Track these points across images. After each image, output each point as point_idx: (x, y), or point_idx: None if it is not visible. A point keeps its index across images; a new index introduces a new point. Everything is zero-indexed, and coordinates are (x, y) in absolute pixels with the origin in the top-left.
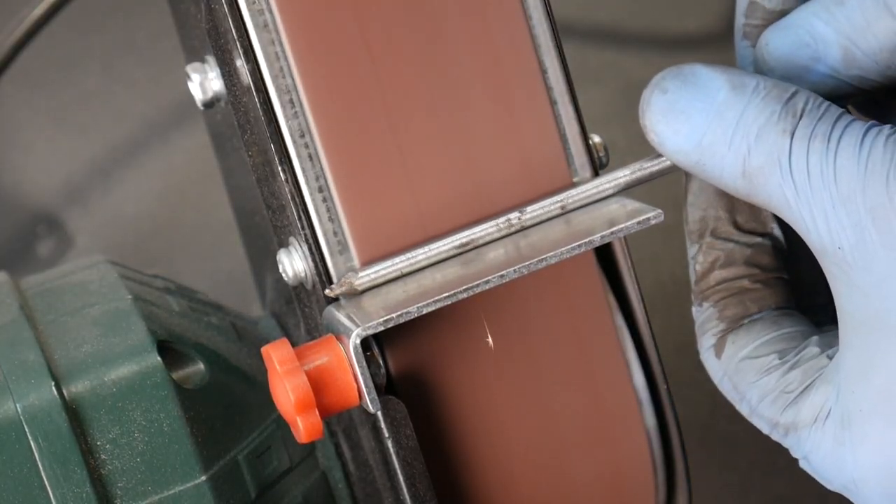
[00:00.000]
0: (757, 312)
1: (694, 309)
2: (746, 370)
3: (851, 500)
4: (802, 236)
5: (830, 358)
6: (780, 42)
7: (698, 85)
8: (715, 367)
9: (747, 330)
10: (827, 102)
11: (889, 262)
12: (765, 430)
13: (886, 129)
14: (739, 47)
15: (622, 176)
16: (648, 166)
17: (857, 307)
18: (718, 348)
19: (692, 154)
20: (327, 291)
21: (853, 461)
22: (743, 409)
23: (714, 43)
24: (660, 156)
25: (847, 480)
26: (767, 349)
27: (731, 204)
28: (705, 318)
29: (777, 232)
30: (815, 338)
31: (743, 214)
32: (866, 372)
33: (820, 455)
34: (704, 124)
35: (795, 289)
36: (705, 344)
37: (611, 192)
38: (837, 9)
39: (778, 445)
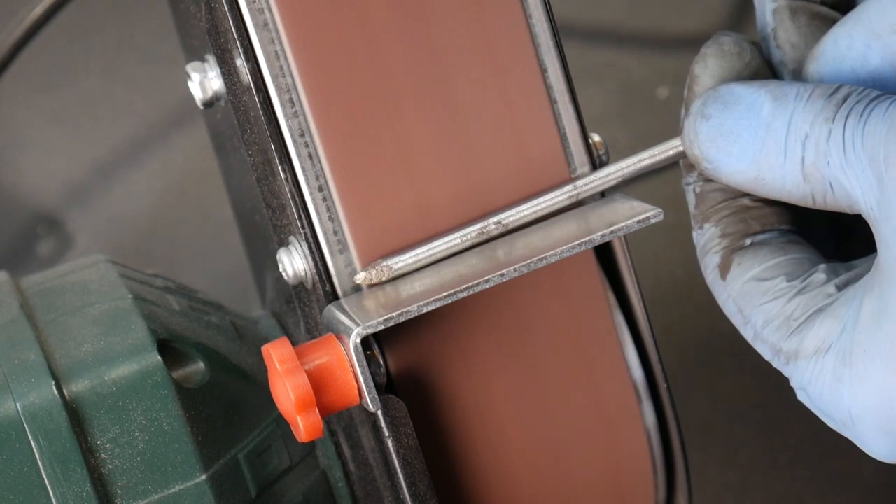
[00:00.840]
0: (761, 231)
1: (694, 233)
2: (752, 293)
3: (847, 434)
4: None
5: (838, 288)
6: (835, 80)
7: (740, 104)
8: (720, 289)
9: (754, 252)
10: (869, 88)
11: None
12: (767, 355)
13: None
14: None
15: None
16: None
17: (882, 258)
18: (723, 268)
19: (749, 171)
20: (360, 280)
21: (851, 398)
22: (747, 333)
23: None
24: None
25: (844, 415)
26: (775, 272)
27: None
28: (707, 239)
29: None
30: (822, 265)
31: None
32: (878, 316)
33: (818, 387)
34: (756, 140)
35: (799, 219)
36: (709, 264)
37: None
38: (892, 39)
39: (777, 444)
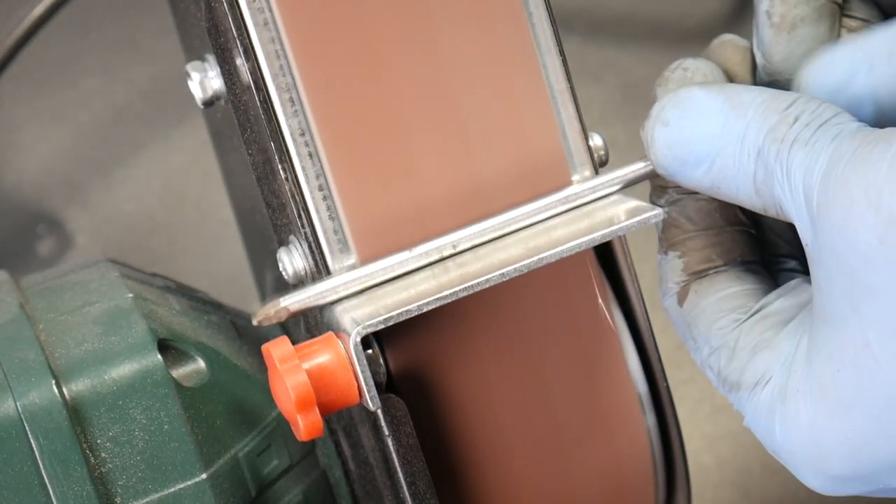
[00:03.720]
0: (723, 265)
1: (659, 257)
2: (703, 321)
3: (785, 465)
4: None
5: (784, 321)
6: (818, 85)
7: (698, 111)
8: (676, 316)
9: (710, 281)
10: (824, 105)
11: (833, 258)
12: (714, 381)
13: (855, 125)
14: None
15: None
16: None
17: (815, 299)
18: (681, 296)
19: (704, 181)
20: (254, 321)
21: (782, 435)
22: (697, 359)
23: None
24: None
25: (778, 448)
26: (727, 304)
27: None
28: (670, 267)
29: None
30: (773, 294)
31: None
32: (809, 357)
33: (755, 419)
34: (711, 151)
35: (762, 245)
36: (668, 292)
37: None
38: (887, 67)
39: None
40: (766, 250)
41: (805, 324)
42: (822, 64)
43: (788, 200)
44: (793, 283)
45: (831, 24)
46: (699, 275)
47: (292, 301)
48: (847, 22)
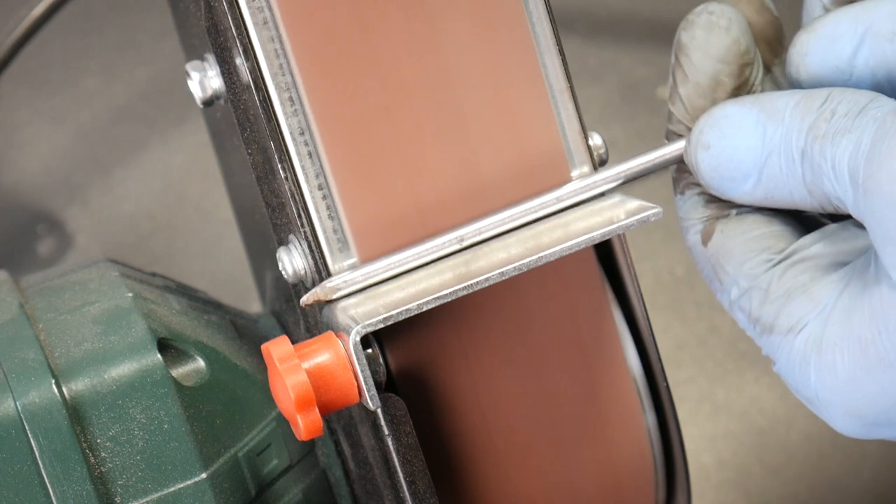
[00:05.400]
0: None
1: (677, 198)
2: (731, 262)
3: (813, 410)
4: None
5: (818, 266)
6: (821, 63)
7: (734, 127)
8: (700, 255)
9: (738, 221)
10: (859, 93)
11: (881, 228)
12: (742, 323)
13: (894, 104)
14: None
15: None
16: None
17: (878, 265)
18: (706, 235)
19: (757, 192)
20: (302, 300)
21: (818, 382)
22: (723, 300)
23: None
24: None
25: (811, 394)
26: (756, 244)
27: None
28: (690, 206)
29: None
30: (804, 239)
31: None
32: (850, 313)
33: (787, 364)
34: (757, 163)
35: None
36: (691, 230)
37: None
38: (888, 47)
39: (779, 443)
40: None
41: (847, 278)
42: (825, 38)
43: (836, 188)
44: (830, 227)
45: None
46: (723, 211)
47: (339, 281)
48: None
